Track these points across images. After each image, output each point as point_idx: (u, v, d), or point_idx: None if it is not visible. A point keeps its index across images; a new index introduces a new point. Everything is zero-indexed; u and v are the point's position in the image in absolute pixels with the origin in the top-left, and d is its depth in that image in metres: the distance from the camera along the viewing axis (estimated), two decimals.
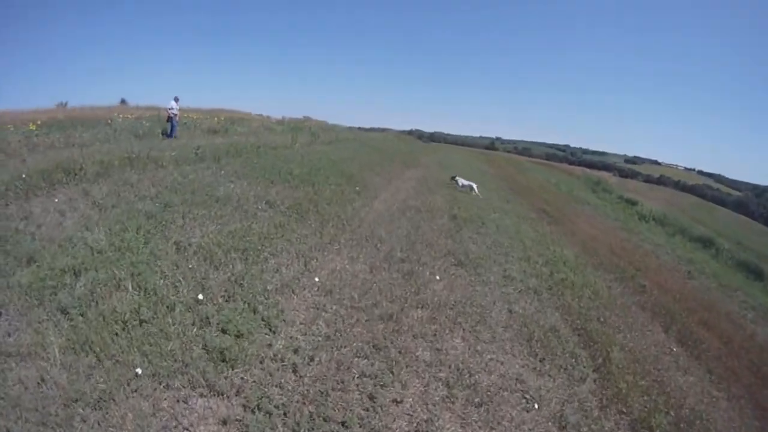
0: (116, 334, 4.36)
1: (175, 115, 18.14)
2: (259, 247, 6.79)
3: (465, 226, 10.85)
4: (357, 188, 12.42)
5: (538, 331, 6.05)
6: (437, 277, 7.16)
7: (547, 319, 6.54)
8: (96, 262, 5.58)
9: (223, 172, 11.07)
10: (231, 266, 6.05)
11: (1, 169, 9.05)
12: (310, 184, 11.30)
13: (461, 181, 17.32)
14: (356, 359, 4.65)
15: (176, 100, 18.17)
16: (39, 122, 14.77)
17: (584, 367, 5.49)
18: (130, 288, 5.10)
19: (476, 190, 16.84)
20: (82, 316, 4.62)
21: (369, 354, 4.77)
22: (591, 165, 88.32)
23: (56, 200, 7.60)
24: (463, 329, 5.73)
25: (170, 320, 4.63)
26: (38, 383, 3.77)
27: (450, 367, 4.88)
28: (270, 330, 4.85)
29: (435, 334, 5.46)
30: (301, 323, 5.13)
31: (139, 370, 3.91)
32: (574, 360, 5.58)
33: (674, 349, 6.80)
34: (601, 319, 7.02)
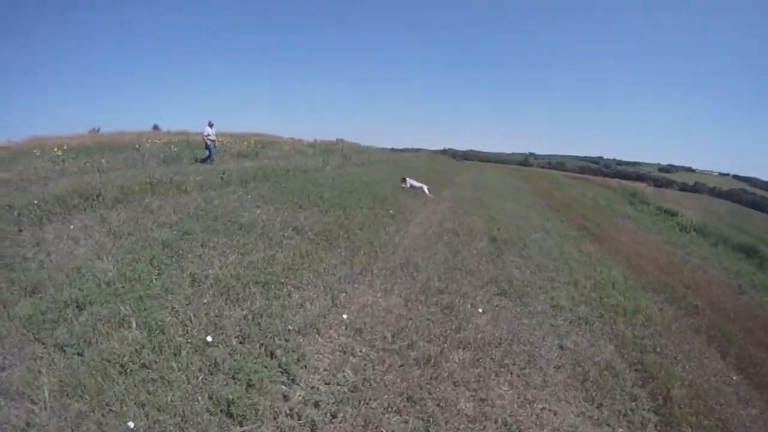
0: (113, 378, 4.05)
1: (213, 141, 18.48)
2: (282, 280, 6.41)
3: (506, 248, 10.33)
4: (390, 211, 12.03)
5: (593, 370, 5.46)
6: (480, 310, 6.62)
7: (602, 354, 5.95)
8: (102, 295, 5.37)
9: (249, 196, 10.92)
10: (249, 302, 5.69)
11: (21, 194, 9.11)
12: (341, 208, 10.99)
13: (410, 182, 17.59)
14: (387, 415, 4.13)
15: (210, 125, 18.67)
16: (65, 147, 15.16)
17: (645, 410, 4.91)
18: (134, 325, 4.82)
19: (426, 191, 17.15)
20: (79, 355, 4.36)
21: (402, 408, 4.24)
22: (625, 176, 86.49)
23: (71, 227, 7.53)
24: (511, 373, 5.15)
25: (174, 365, 4.27)
26: (24, 428, 3.53)
27: (497, 422, 4.29)
28: (288, 378, 4.40)
29: (479, 381, 4.89)
30: (324, 370, 4.65)
31: (131, 424, 3.54)
32: (633, 403, 4.99)
33: (734, 378, 6.19)
34: (658, 349, 6.42)
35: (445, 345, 5.45)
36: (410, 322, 5.93)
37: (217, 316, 5.22)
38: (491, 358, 5.34)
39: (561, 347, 5.97)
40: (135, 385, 3.96)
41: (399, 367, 4.89)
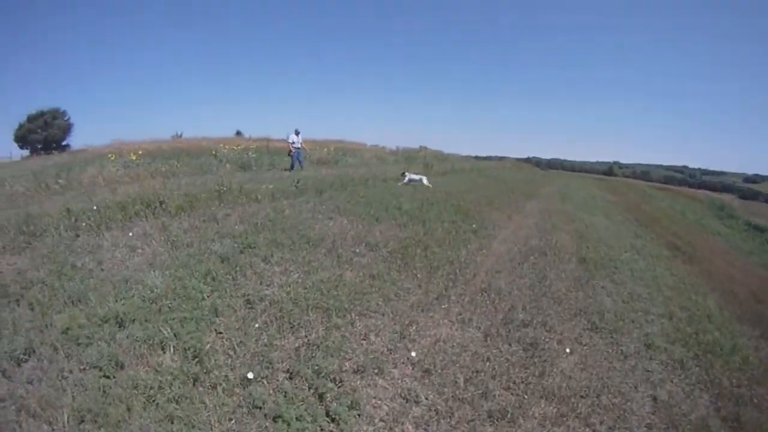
0: (136, 411, 3.82)
1: (298, 148, 19.17)
2: (347, 306, 5.97)
3: (596, 271, 9.63)
4: (473, 226, 11.46)
5: (688, 430, 4.75)
6: (567, 350, 5.96)
7: (697, 408, 5.23)
8: (145, 312, 5.22)
9: (323, 207, 10.68)
10: (305, 331, 5.30)
11: (85, 199, 9.41)
12: (420, 222, 10.56)
13: (409, 175, 18.02)
14: None
15: (297, 133, 19.25)
16: (140, 152, 15.77)
17: None
18: (171, 351, 4.57)
19: (425, 182, 17.56)
20: (107, 377, 4.20)
21: None
22: (711, 187, 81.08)
23: (130, 234, 7.60)
24: None
25: (207, 402, 3.94)
26: None
27: None
28: (336, 428, 3.91)
29: None
30: (380, 421, 4.12)
31: None
32: None
33: None
34: (755, 400, 5.70)
35: (526, 395, 4.84)
36: (488, 363, 5.34)
37: (266, 346, 4.88)
38: (576, 415, 4.67)
39: (654, 399, 5.32)
40: (159, 422, 3.70)
41: (469, 422, 4.29)
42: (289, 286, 6.28)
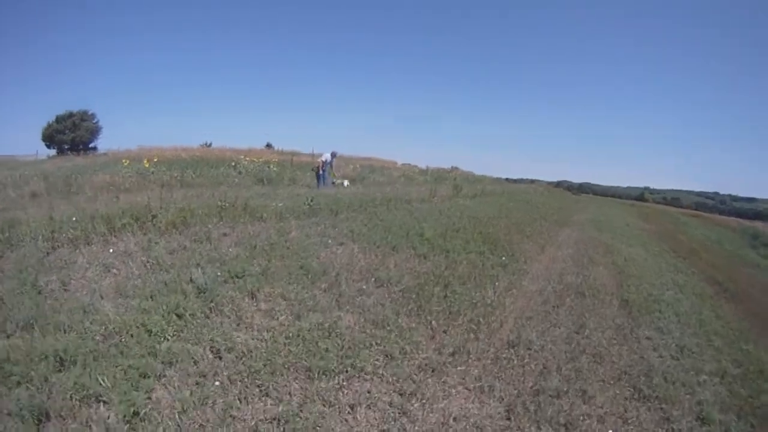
0: None
1: (325, 169, 19.32)
2: (335, 365, 4.99)
3: (640, 317, 8.68)
4: (503, 258, 10.51)
5: None
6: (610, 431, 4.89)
7: None
8: (91, 353, 4.43)
9: (335, 230, 9.84)
10: (275, 397, 4.38)
11: (74, 209, 8.84)
12: (443, 252, 9.66)
13: (339, 180, 20.89)
14: None
15: (333, 155, 19.68)
16: (155, 159, 15.42)
17: None
18: (103, 408, 3.79)
19: (345, 184, 20.32)
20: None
21: None
22: (742, 214, 78.97)
23: (111, 250, 6.92)
24: None
25: None
26: None
27: None
28: None
29: None
30: None
31: None
32: None
33: None
34: None
35: None
36: None
37: (224, 413, 4.01)
38: None
39: None
40: None
41: None
42: (270, 331, 5.44)
